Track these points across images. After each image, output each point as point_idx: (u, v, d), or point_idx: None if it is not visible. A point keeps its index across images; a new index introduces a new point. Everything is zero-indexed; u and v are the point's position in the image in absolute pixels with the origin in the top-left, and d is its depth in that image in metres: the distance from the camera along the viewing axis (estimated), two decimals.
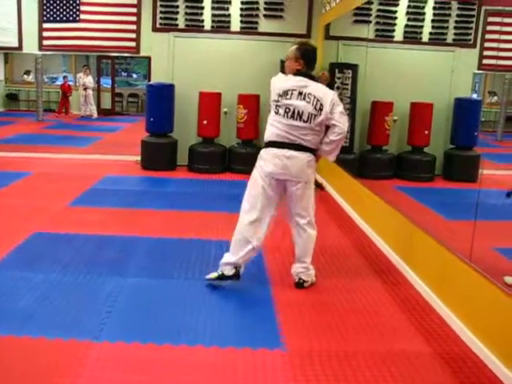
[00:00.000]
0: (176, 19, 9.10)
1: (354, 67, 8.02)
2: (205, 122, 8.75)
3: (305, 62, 4.12)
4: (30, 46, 9.87)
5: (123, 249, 5.08)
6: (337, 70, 8.23)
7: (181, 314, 3.79)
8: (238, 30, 9.02)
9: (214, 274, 4.30)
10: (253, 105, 8.76)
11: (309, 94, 4.04)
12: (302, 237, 4.39)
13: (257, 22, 8.99)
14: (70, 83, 19.13)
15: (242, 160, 8.71)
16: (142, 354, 3.24)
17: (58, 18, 9.58)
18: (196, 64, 9.05)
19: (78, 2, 9.48)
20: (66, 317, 3.68)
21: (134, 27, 9.39)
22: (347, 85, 8.11)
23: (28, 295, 3.99)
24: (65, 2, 9.50)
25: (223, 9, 8.98)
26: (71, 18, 9.55)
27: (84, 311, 3.77)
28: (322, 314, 3.89)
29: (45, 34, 9.69)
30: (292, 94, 4.05)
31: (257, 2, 8.95)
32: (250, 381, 3.05)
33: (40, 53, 10.37)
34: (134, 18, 9.38)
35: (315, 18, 8.91)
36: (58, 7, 9.53)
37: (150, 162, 8.85)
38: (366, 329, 3.70)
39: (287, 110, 4.04)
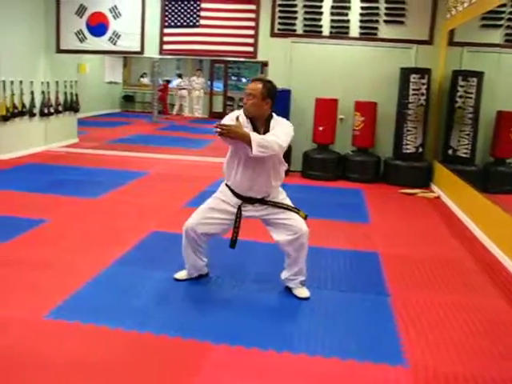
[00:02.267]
0: (294, 24, 9.11)
1: (479, 75, 7.68)
2: (320, 129, 8.69)
3: (272, 103, 3.84)
4: (151, 51, 10.17)
5: (240, 252, 5.09)
6: (460, 78, 7.91)
7: (300, 323, 3.74)
8: (357, 35, 8.89)
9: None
10: (370, 112, 8.60)
11: None
12: None
13: (376, 28, 8.82)
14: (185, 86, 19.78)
15: (357, 168, 8.59)
16: (261, 360, 3.21)
17: (178, 24, 9.82)
18: (313, 70, 9.01)
19: (198, 8, 9.68)
20: (185, 316, 3.73)
21: (252, 32, 9.45)
22: (471, 93, 7.78)
23: (149, 292, 4.08)
24: (186, 8, 9.73)
25: (342, 14, 8.89)
26: (191, 24, 9.76)
27: (203, 312, 3.81)
28: (445, 332, 3.70)
29: (165, 38, 9.96)
30: None
31: (377, 8, 8.78)
32: None
33: (158, 56, 10.66)
34: (252, 24, 9.43)
35: (439, 23, 8.60)
36: (179, 13, 9.78)
37: None
38: (493, 352, 3.47)
39: None
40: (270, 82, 3.89)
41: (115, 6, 10.06)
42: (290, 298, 4.12)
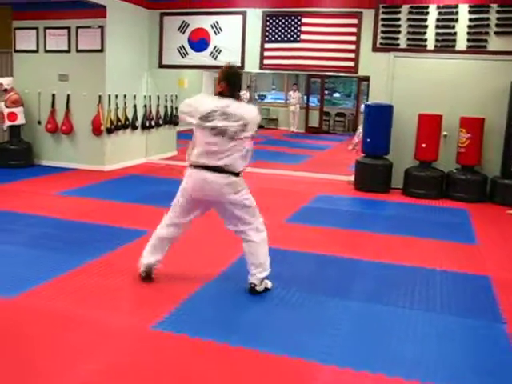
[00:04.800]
0: (397, 39, 8.90)
1: None
2: (423, 145, 8.41)
3: (227, 84, 4.14)
4: (251, 65, 10.24)
5: (344, 270, 4.98)
6: None
7: (412, 346, 3.55)
8: (464, 49, 8.53)
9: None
10: (477, 129, 8.23)
11: (231, 113, 4.08)
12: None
13: (486, 40, 8.42)
14: (281, 101, 19.89)
15: (461, 187, 8.24)
16: None
17: (279, 39, 9.85)
18: (416, 85, 8.76)
19: (299, 23, 9.67)
20: (291, 335, 3.64)
21: (353, 47, 9.32)
22: None
23: (254, 308, 4.06)
24: (287, 23, 9.75)
25: (449, 27, 8.57)
26: (292, 39, 9.76)
27: (309, 331, 3.72)
28: None
29: (266, 53, 10.01)
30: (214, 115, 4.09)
31: (487, 19, 8.39)
32: None
33: (258, 71, 10.73)
34: (353, 38, 9.31)
35: None
36: (280, 28, 9.81)
37: (364, 184, 8.71)
38: None
39: (212, 129, 4.08)
40: (228, 67, 4.30)
41: (216, 22, 10.22)
42: (393, 319, 3.95)
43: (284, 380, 3.09)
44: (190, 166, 4.28)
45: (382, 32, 9.02)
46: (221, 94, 4.17)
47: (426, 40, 8.74)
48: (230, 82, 4.17)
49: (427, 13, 8.69)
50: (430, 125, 8.45)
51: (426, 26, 8.72)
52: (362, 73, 9.50)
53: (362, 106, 14.81)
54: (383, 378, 3.13)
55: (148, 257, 4.41)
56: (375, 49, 9.10)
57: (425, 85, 8.72)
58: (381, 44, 9.05)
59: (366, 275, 4.89)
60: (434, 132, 8.44)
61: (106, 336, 3.49)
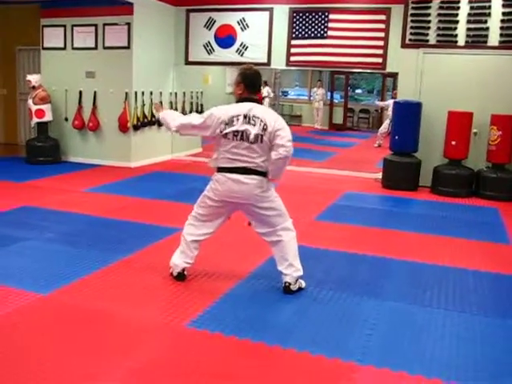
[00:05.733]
0: (427, 35, 8.79)
1: None
2: (453, 143, 8.29)
3: (245, 86, 4.15)
4: (278, 62, 10.19)
5: (376, 269, 4.93)
6: None
7: (447, 348, 3.49)
8: (497, 44, 8.37)
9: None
10: (508, 126, 8.09)
11: (253, 116, 4.04)
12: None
13: None
14: (304, 97, 19.80)
15: (492, 185, 8.12)
16: None
17: (306, 35, 9.79)
18: (445, 81, 8.63)
19: (326, 19, 9.60)
20: (326, 334, 3.60)
21: (381, 43, 9.23)
22: None
23: (289, 307, 4.03)
24: (314, 19, 9.68)
25: (481, 22, 8.42)
26: (319, 35, 9.69)
27: (343, 330, 3.68)
28: None
29: (292, 50, 9.95)
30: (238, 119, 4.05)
31: None
32: None
33: (284, 68, 10.69)
34: (381, 34, 9.22)
35: None
36: (307, 24, 9.75)
37: (392, 181, 8.62)
38: None
39: (235, 134, 4.04)
40: (244, 68, 4.25)
41: (243, 18, 10.19)
42: (434, 321, 3.88)
43: (322, 380, 3.05)
44: (216, 171, 4.21)
45: (411, 28, 8.90)
46: (240, 97, 4.17)
47: (456, 36, 8.61)
48: (248, 83, 4.16)
49: (458, 8, 8.55)
50: (460, 122, 8.33)
51: (457, 22, 8.58)
52: (390, 69, 9.40)
53: (387, 102, 14.72)
54: (423, 380, 3.08)
55: (178, 258, 4.40)
56: (404, 45, 8.99)
57: (455, 81, 8.59)
58: (410, 40, 8.94)
59: (399, 274, 4.83)
60: (464, 129, 8.31)
61: (142, 334, 3.49)
